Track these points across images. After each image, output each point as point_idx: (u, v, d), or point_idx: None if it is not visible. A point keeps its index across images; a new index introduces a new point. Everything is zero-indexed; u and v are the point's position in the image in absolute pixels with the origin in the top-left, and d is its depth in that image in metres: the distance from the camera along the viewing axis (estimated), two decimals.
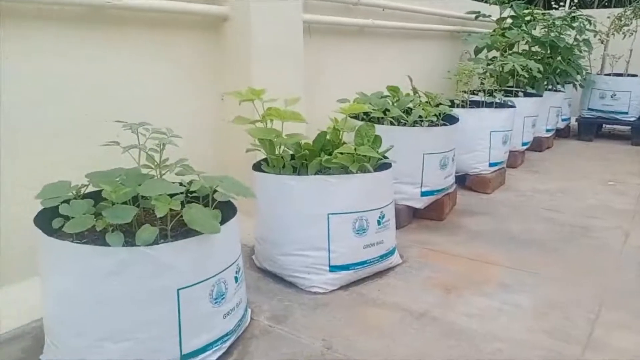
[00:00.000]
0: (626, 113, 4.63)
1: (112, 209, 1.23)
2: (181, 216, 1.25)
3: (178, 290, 1.22)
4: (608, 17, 4.79)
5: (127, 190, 1.27)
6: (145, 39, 1.94)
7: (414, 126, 2.45)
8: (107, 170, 1.40)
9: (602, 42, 4.82)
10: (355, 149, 1.82)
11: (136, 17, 1.90)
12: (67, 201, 1.29)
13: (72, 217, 1.24)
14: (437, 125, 2.54)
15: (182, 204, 1.29)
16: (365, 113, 2.39)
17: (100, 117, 1.78)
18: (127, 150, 1.38)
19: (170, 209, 1.23)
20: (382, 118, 2.43)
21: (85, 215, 1.25)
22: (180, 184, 1.46)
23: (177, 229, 1.33)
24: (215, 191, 1.37)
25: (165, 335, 1.23)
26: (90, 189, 1.39)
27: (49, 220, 1.28)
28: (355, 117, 2.39)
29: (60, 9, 1.66)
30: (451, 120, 2.61)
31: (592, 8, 5.98)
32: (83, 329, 1.21)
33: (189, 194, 1.44)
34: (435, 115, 2.50)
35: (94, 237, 1.30)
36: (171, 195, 1.27)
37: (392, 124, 2.42)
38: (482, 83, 3.54)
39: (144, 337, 1.21)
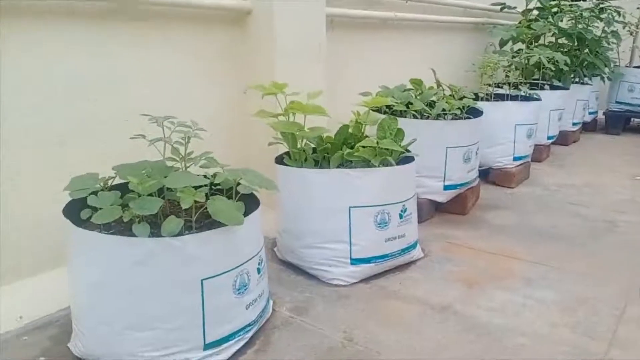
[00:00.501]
0: None
1: (139, 200, 1.25)
2: (205, 208, 1.27)
3: (202, 280, 1.24)
4: (638, 8, 4.67)
5: (153, 183, 1.29)
6: (169, 34, 1.97)
7: (437, 119, 2.43)
8: (134, 162, 1.43)
9: (631, 34, 4.70)
10: (377, 143, 1.82)
11: (160, 12, 1.92)
12: (94, 193, 1.33)
13: (100, 209, 1.27)
14: (460, 118, 2.52)
15: (207, 196, 1.31)
16: (388, 106, 2.38)
17: (125, 111, 1.82)
18: (153, 143, 1.41)
19: (195, 201, 1.26)
20: (405, 111, 2.42)
21: (113, 207, 1.28)
22: (205, 176, 1.47)
23: (201, 220, 1.36)
24: (238, 184, 1.39)
25: (189, 325, 1.26)
26: (117, 181, 1.42)
27: (77, 212, 1.32)
28: (378, 110, 2.38)
29: (92, 5, 1.70)
30: (475, 113, 2.59)
31: None
32: (110, 317, 1.24)
33: (213, 187, 1.46)
34: (458, 108, 2.48)
35: (121, 228, 1.32)
36: (196, 188, 1.30)
37: (414, 117, 2.41)
38: (507, 76, 3.49)
39: (169, 327, 1.24)
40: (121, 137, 1.65)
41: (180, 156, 1.43)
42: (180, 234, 1.23)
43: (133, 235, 1.22)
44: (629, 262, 2.00)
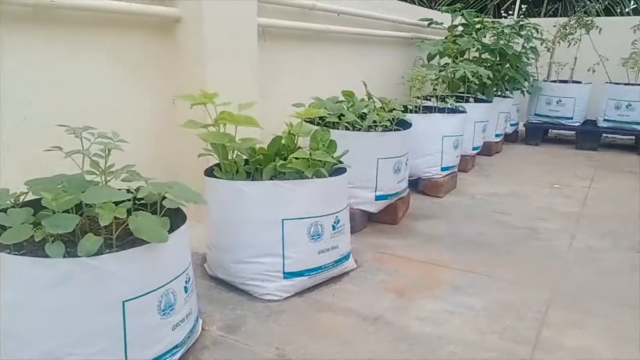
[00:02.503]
0: (571, 118, 4.83)
1: (53, 217, 1.17)
2: (127, 225, 1.20)
3: (124, 302, 1.17)
4: (554, 26, 4.99)
5: (69, 198, 1.21)
6: (93, 40, 1.87)
7: (368, 131, 2.46)
8: (49, 177, 1.33)
9: (548, 50, 5.01)
10: (310, 154, 1.81)
11: (82, 18, 1.82)
12: (4, 210, 1.22)
13: (10, 227, 1.17)
14: (390, 130, 2.56)
15: (129, 212, 1.24)
16: (321, 118, 2.39)
17: (42, 121, 1.70)
18: (69, 156, 1.32)
19: (116, 217, 1.18)
20: (337, 123, 2.43)
21: (24, 225, 1.18)
22: (128, 190, 1.40)
23: (123, 237, 1.28)
24: (164, 198, 1.33)
25: (110, 349, 1.18)
26: (30, 196, 1.32)
27: None
28: (311, 121, 2.38)
29: (3, 9, 1.58)
30: (404, 125, 2.64)
31: (539, 17, 6.22)
32: (25, 342, 1.14)
33: (136, 202, 1.38)
34: (389, 120, 2.53)
35: (34, 247, 1.23)
36: (117, 203, 1.22)
37: (347, 128, 2.43)
38: (434, 89, 3.61)
39: (89, 352, 1.15)
40: (37, 148, 1.54)
41: (100, 169, 1.35)
42: (99, 253, 1.15)
43: (46, 255, 1.13)
44: (551, 268, 2.10)
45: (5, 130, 1.63)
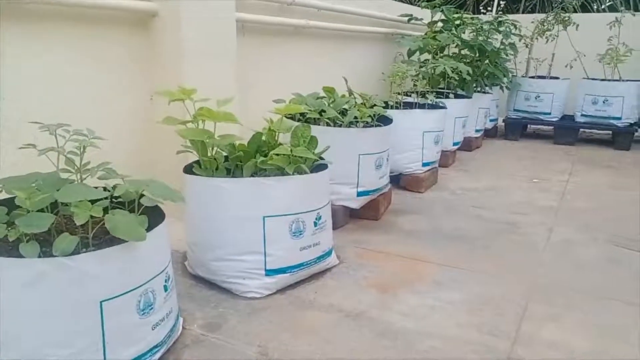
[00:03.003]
0: (549, 114, 4.89)
1: (27, 217, 1.14)
2: (104, 223, 1.18)
3: (101, 302, 1.15)
4: (532, 22, 5.04)
5: (44, 197, 1.18)
6: (67, 35, 1.83)
7: (349, 127, 2.46)
8: (23, 175, 1.30)
9: (526, 46, 5.07)
10: (291, 150, 1.80)
11: (57, 12, 1.78)
12: None
13: None
14: (371, 126, 2.56)
15: (106, 210, 1.22)
16: (302, 114, 2.37)
17: (16, 118, 1.66)
18: (44, 153, 1.29)
19: (92, 216, 1.16)
20: (318, 119, 2.42)
21: None
22: (105, 188, 1.37)
23: (100, 237, 1.26)
24: (142, 196, 1.30)
25: (88, 350, 1.16)
26: (4, 195, 1.29)
27: None
28: (291, 117, 2.37)
29: None
30: (385, 121, 2.65)
31: (518, 13, 6.28)
32: (1, 344, 1.11)
33: (113, 200, 1.36)
34: (370, 116, 2.53)
35: (8, 247, 1.20)
36: (93, 201, 1.20)
37: (328, 124, 2.42)
38: (414, 85, 3.62)
39: (65, 353, 1.13)
40: (10, 147, 1.50)
41: (76, 167, 1.32)
42: (75, 252, 1.13)
43: (21, 255, 1.10)
44: (530, 261, 2.13)
45: None
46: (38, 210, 1.18)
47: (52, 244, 1.14)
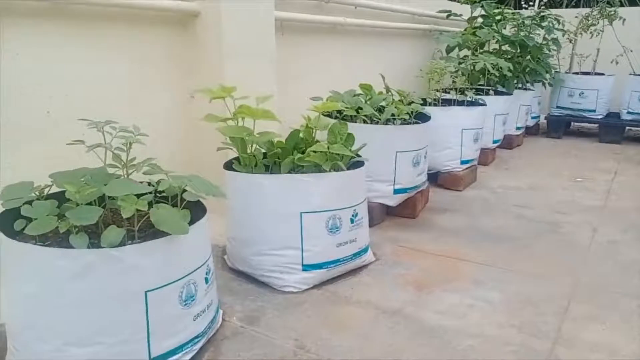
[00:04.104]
0: (594, 111, 4.74)
1: (76, 209, 1.19)
2: (149, 217, 1.22)
3: (146, 292, 1.19)
4: (576, 17, 4.89)
5: (92, 191, 1.23)
6: (111, 36, 1.89)
7: (386, 124, 2.45)
8: (72, 170, 1.36)
9: (570, 42, 4.92)
10: (328, 147, 1.81)
11: (101, 13, 1.85)
12: (29, 202, 1.25)
13: (35, 219, 1.20)
14: (409, 123, 2.55)
15: (150, 204, 1.26)
16: (338, 111, 2.38)
17: (65, 115, 1.73)
18: (92, 149, 1.34)
19: (138, 210, 1.20)
20: (355, 116, 2.43)
21: (49, 217, 1.21)
22: (149, 183, 1.42)
23: (145, 229, 1.30)
24: (184, 191, 1.34)
25: (133, 339, 1.20)
26: (55, 189, 1.35)
27: (11, 223, 1.24)
28: (328, 115, 2.38)
29: (22, 4, 1.61)
30: (423, 118, 2.63)
31: (561, 8, 6.10)
32: (48, 333, 1.17)
33: (157, 194, 1.40)
34: (407, 113, 2.51)
35: (59, 239, 1.25)
36: (139, 196, 1.24)
37: (364, 122, 2.42)
38: (453, 81, 3.58)
39: (111, 341, 1.18)
40: (60, 142, 1.57)
41: (122, 163, 1.37)
42: (121, 244, 1.17)
43: (70, 246, 1.15)
44: (572, 262, 2.07)
45: (29, 124, 1.66)
46: (87, 204, 1.23)
47: (99, 236, 1.19)
